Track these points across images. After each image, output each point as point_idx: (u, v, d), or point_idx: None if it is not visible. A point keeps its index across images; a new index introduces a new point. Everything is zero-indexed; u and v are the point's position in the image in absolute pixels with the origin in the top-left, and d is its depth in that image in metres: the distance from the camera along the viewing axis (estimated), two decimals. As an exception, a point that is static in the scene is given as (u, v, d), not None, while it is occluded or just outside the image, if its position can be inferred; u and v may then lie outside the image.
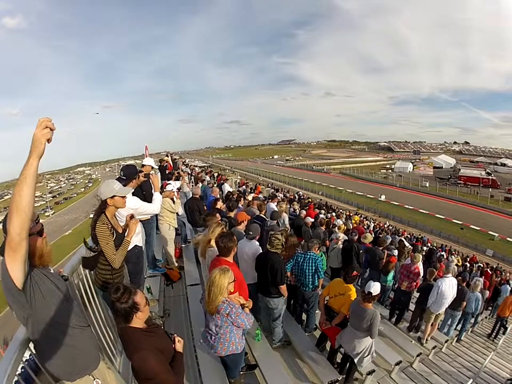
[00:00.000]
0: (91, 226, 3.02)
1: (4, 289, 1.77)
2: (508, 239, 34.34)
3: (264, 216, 7.13)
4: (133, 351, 2.11)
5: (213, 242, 4.25)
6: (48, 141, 1.68)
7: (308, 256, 5.19)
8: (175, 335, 2.51)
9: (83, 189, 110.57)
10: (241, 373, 3.83)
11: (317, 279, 5.20)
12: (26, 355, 2.08)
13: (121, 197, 3.07)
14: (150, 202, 4.35)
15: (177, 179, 9.64)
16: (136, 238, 3.82)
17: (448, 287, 6.04)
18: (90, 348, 2.22)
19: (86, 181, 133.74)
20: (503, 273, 19.29)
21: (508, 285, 12.00)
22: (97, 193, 3.04)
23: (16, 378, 1.92)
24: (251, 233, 4.85)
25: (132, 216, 3.28)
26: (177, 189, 8.35)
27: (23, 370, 2.02)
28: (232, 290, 3.23)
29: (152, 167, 5.74)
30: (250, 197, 9.12)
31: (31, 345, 2.08)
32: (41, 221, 2.09)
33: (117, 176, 4.32)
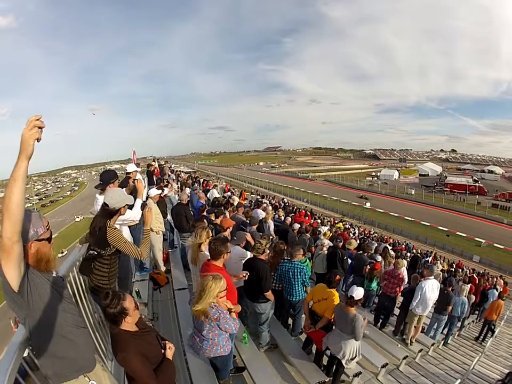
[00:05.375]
0: (93, 232, 3.06)
1: (3, 290, 1.78)
2: (495, 244, 34.62)
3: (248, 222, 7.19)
4: (116, 352, 2.25)
5: (203, 247, 4.29)
6: (37, 140, 1.65)
7: (294, 265, 5.15)
8: (167, 341, 2.58)
9: (69, 192, 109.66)
10: (230, 374, 3.86)
11: (304, 290, 5.22)
12: (26, 354, 2.08)
13: None
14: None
15: (165, 186, 9.59)
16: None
17: (431, 289, 6.15)
18: (87, 350, 2.23)
19: (72, 184, 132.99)
20: (490, 278, 19.56)
21: (495, 290, 12.19)
22: (106, 202, 3.09)
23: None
24: (235, 239, 4.95)
25: (144, 205, 3.39)
26: (164, 195, 8.31)
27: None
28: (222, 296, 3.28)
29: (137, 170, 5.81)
30: (235, 202, 9.11)
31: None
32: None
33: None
